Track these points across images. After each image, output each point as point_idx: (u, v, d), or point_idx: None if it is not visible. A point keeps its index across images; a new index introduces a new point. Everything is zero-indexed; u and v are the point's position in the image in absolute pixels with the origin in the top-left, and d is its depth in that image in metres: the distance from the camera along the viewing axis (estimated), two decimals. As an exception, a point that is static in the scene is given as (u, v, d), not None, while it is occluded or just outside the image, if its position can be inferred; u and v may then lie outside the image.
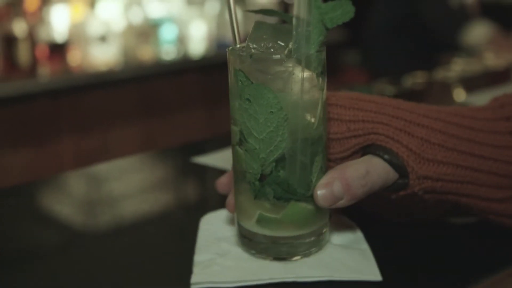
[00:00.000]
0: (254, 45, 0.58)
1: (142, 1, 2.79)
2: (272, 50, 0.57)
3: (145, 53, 2.71)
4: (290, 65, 0.56)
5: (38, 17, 2.52)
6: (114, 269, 0.62)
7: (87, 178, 0.90)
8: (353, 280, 0.57)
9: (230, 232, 0.65)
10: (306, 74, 0.56)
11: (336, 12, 0.56)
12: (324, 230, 0.60)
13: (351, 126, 0.62)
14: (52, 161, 2.43)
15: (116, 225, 0.75)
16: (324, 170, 0.59)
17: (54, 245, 0.70)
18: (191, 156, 0.92)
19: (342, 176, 0.57)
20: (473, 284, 0.58)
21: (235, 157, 0.60)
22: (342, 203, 0.58)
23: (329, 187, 0.57)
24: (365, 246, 0.62)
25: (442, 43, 2.56)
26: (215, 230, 0.66)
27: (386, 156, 0.59)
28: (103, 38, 2.60)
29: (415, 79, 1.53)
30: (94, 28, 2.60)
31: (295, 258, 0.59)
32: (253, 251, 0.60)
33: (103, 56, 2.60)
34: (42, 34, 2.50)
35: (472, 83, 1.47)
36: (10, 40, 2.40)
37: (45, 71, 2.48)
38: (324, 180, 0.58)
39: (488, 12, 2.72)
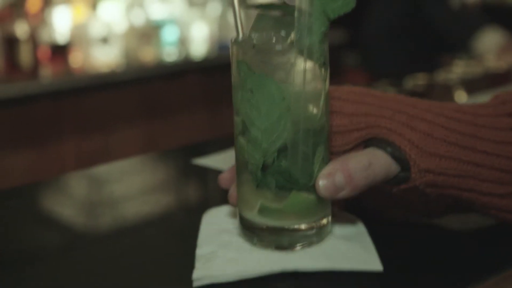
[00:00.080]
0: (257, 36, 0.58)
1: (143, 2, 2.79)
2: (274, 41, 0.58)
3: (147, 55, 2.71)
4: (293, 56, 0.56)
5: (40, 19, 2.53)
6: (115, 270, 0.62)
7: (88, 180, 0.90)
8: (354, 271, 0.58)
9: (232, 224, 0.65)
10: (308, 64, 0.56)
11: (337, 3, 0.56)
12: (326, 221, 0.60)
13: (353, 119, 0.62)
14: (54, 163, 2.43)
15: (118, 226, 0.75)
16: (326, 161, 0.59)
17: (56, 246, 0.70)
18: (193, 157, 0.92)
19: (344, 167, 0.58)
20: (474, 284, 0.58)
21: (238, 147, 0.60)
22: (343, 194, 0.58)
23: (331, 178, 0.57)
24: (367, 239, 0.62)
25: (450, 46, 2.55)
26: (217, 224, 0.66)
27: (388, 149, 0.60)
28: (104, 40, 2.61)
29: (416, 80, 1.53)
30: (96, 29, 2.61)
31: (296, 248, 0.59)
32: (255, 241, 0.60)
33: (104, 58, 2.61)
34: (44, 36, 2.50)
35: (473, 85, 1.47)
36: (12, 42, 2.41)
37: (47, 72, 2.48)
38: (326, 170, 0.58)
39: (490, 13, 2.72)
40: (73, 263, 0.64)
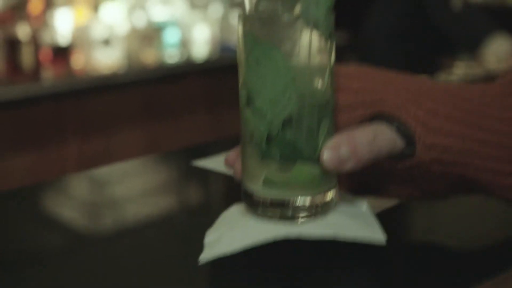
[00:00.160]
0: (263, 8, 0.59)
1: (145, 4, 2.80)
2: (281, 12, 0.58)
3: (149, 57, 2.72)
4: (299, 27, 0.56)
5: (42, 21, 2.53)
6: (116, 271, 0.62)
7: (90, 181, 0.90)
8: (356, 242, 0.58)
9: (241, 214, 0.65)
10: (314, 36, 0.57)
11: None
12: (331, 194, 0.60)
13: (359, 96, 0.62)
14: (56, 164, 2.43)
15: (119, 228, 0.75)
16: (332, 133, 0.59)
17: (57, 247, 0.70)
18: (194, 159, 0.92)
19: (349, 140, 0.57)
20: (473, 285, 0.58)
21: (243, 119, 0.60)
22: (348, 167, 0.58)
23: (335, 150, 0.57)
24: (371, 216, 0.62)
25: (451, 48, 2.55)
26: (228, 217, 0.66)
27: (394, 124, 0.60)
28: (106, 42, 2.61)
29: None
30: (98, 31, 2.61)
31: (300, 220, 0.59)
32: (259, 213, 0.60)
33: (106, 60, 2.61)
34: (46, 38, 2.50)
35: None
36: (14, 44, 2.41)
37: (49, 74, 2.49)
38: (331, 142, 0.58)
39: (491, 14, 2.72)
40: (74, 264, 0.64)
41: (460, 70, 1.61)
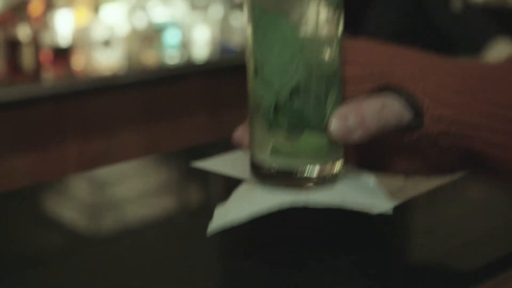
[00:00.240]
0: None
1: (146, 5, 2.80)
2: None
3: (149, 58, 2.72)
4: None
5: (42, 22, 2.53)
6: (116, 272, 0.62)
7: (90, 182, 0.90)
8: (363, 212, 0.58)
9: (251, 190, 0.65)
10: (322, 7, 0.57)
11: None
12: (338, 164, 0.60)
13: (367, 68, 0.62)
14: (56, 165, 2.43)
15: (119, 228, 0.75)
16: (339, 104, 0.59)
17: (57, 248, 0.70)
18: (194, 160, 0.92)
19: (357, 110, 0.58)
20: (473, 285, 0.58)
21: (251, 89, 0.61)
22: (355, 137, 0.57)
23: (343, 119, 0.57)
24: (378, 187, 0.62)
25: (451, 48, 2.55)
26: (238, 192, 0.65)
27: (402, 96, 0.60)
28: (107, 43, 2.61)
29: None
30: (98, 32, 2.61)
31: (307, 189, 0.59)
32: (266, 183, 0.60)
33: (107, 61, 2.61)
34: (46, 39, 2.51)
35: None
36: (14, 45, 2.41)
37: (49, 75, 2.49)
38: (339, 112, 0.58)
39: (491, 15, 2.72)
40: (74, 265, 0.64)
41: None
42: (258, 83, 0.59)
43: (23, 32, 2.43)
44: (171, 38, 2.79)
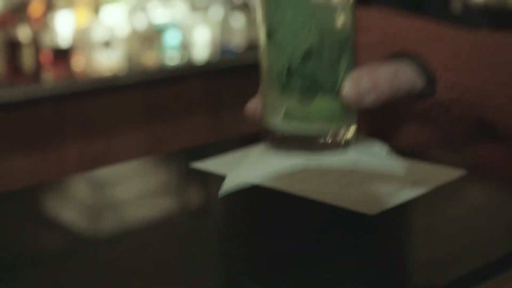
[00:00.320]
0: None
1: (146, 6, 2.80)
2: None
3: (149, 59, 2.72)
4: None
5: (42, 23, 2.53)
6: (116, 273, 0.62)
7: (89, 183, 0.90)
8: (376, 172, 0.58)
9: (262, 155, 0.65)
10: None
11: None
12: (351, 130, 0.60)
13: (380, 36, 0.62)
14: (56, 166, 2.43)
15: (119, 229, 0.75)
16: (352, 68, 0.59)
17: (57, 249, 0.70)
18: (194, 160, 0.92)
19: (370, 74, 0.58)
20: (473, 286, 0.58)
21: (263, 54, 0.61)
22: (368, 101, 0.57)
23: (356, 83, 0.57)
24: (391, 153, 0.62)
25: None
26: (249, 156, 0.65)
27: (415, 62, 0.60)
28: (107, 44, 2.61)
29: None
30: (98, 33, 2.61)
31: (320, 153, 0.59)
32: (279, 147, 0.60)
33: (107, 62, 2.61)
34: (46, 40, 2.51)
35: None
36: (14, 45, 2.41)
37: (49, 76, 2.49)
38: (352, 76, 0.58)
39: (491, 16, 2.72)
40: (74, 266, 0.64)
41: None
42: (271, 48, 0.59)
43: (23, 33, 2.43)
44: (171, 39, 2.79)
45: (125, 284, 0.60)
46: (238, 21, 2.91)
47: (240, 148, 0.94)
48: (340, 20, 0.58)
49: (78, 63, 2.58)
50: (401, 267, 0.61)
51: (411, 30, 0.62)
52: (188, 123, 2.77)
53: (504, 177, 0.71)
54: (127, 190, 0.86)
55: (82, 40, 2.60)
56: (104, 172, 0.95)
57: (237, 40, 2.89)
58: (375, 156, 0.60)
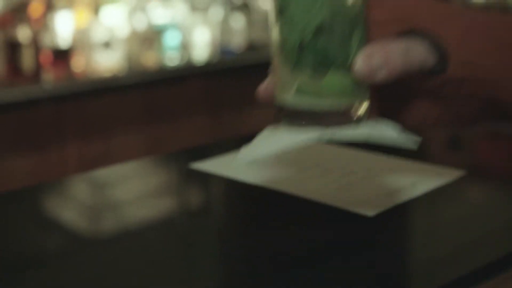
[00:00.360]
0: None
1: (146, 7, 2.80)
2: None
3: (149, 59, 2.72)
4: None
5: (42, 23, 2.53)
6: (115, 273, 0.62)
7: (89, 183, 0.90)
8: (389, 145, 0.58)
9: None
10: None
11: None
12: (363, 106, 0.61)
13: (392, 12, 0.62)
14: (56, 167, 2.43)
15: (119, 229, 0.75)
16: (364, 43, 0.59)
17: (57, 249, 0.70)
18: (194, 161, 0.92)
19: (383, 50, 0.58)
20: (474, 285, 0.58)
21: (275, 30, 0.61)
22: (380, 77, 0.58)
23: (368, 58, 0.57)
24: (403, 131, 0.62)
25: None
26: (262, 134, 0.66)
27: (427, 39, 0.60)
28: (107, 44, 2.61)
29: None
30: (98, 34, 2.61)
31: (332, 129, 0.60)
32: (292, 124, 0.61)
33: (107, 62, 2.61)
34: (46, 40, 2.51)
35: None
36: (14, 46, 2.41)
37: (49, 77, 2.48)
38: (364, 51, 0.58)
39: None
40: (74, 266, 0.64)
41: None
42: (282, 24, 0.60)
43: (23, 33, 2.43)
44: (171, 39, 2.79)
45: (125, 285, 0.60)
46: (238, 21, 2.91)
47: (240, 148, 0.94)
48: None
49: (78, 63, 2.58)
50: (401, 267, 0.61)
51: (423, 8, 0.62)
52: (188, 124, 2.77)
53: (504, 177, 0.71)
54: (127, 191, 0.86)
55: (82, 40, 2.60)
56: (104, 173, 0.95)
57: (237, 40, 2.89)
58: (387, 131, 0.60)
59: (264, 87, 0.65)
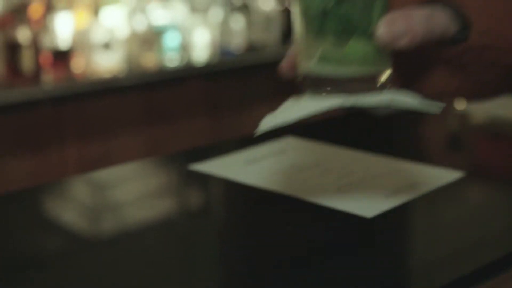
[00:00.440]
0: None
1: (146, 8, 2.80)
2: None
3: (149, 60, 2.72)
4: None
5: (42, 24, 2.53)
6: (116, 274, 0.62)
7: (89, 184, 0.90)
8: (412, 110, 0.58)
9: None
10: None
11: None
12: (385, 74, 0.61)
13: None
14: (56, 168, 2.43)
15: (118, 230, 0.75)
16: (386, 10, 0.60)
17: (57, 250, 0.70)
18: (193, 162, 0.92)
19: (405, 17, 0.58)
20: (474, 285, 0.58)
21: None
22: (402, 43, 0.58)
23: (391, 24, 0.58)
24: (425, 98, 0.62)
25: None
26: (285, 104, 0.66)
27: (449, 7, 0.60)
28: (106, 45, 2.61)
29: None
30: (98, 35, 2.61)
31: (355, 95, 0.60)
32: (315, 92, 0.61)
33: (106, 63, 2.61)
34: (46, 41, 2.51)
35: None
36: (14, 47, 2.41)
37: (49, 78, 2.48)
38: (386, 17, 0.58)
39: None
40: (73, 267, 0.64)
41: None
42: None
43: (23, 34, 2.43)
44: (171, 40, 2.79)
45: (125, 285, 0.60)
46: (238, 22, 2.92)
47: (240, 149, 0.94)
48: None
49: (77, 64, 2.58)
50: (401, 268, 0.61)
51: None
52: (188, 125, 2.77)
53: (504, 178, 0.71)
54: (126, 192, 0.86)
55: (81, 41, 2.60)
56: (104, 174, 0.95)
57: (237, 41, 2.89)
58: (409, 97, 0.60)
59: (286, 61, 0.65)
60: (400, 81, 0.66)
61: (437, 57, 0.62)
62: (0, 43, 2.42)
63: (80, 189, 0.89)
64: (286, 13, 3.03)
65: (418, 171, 0.84)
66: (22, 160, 2.38)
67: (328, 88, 0.60)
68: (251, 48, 2.89)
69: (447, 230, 0.69)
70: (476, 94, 0.67)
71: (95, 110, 2.54)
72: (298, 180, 0.83)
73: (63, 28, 2.57)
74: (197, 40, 2.86)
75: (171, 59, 2.77)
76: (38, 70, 2.46)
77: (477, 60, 0.61)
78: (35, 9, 2.53)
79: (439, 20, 0.59)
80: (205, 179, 0.87)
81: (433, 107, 0.58)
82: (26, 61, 2.42)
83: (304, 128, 1.01)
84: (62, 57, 2.53)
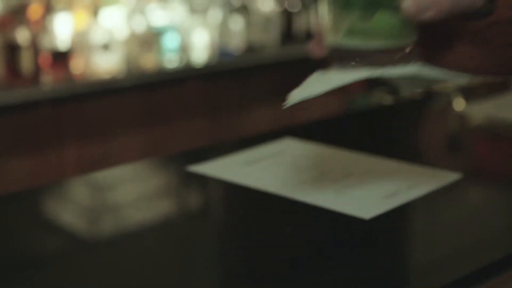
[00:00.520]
0: None
1: (145, 9, 2.80)
2: None
3: (148, 61, 2.72)
4: None
5: (41, 25, 2.53)
6: (115, 275, 0.62)
7: (88, 185, 0.90)
8: (438, 80, 0.58)
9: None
10: None
11: None
12: (411, 47, 0.61)
13: None
14: (55, 169, 2.43)
15: (118, 231, 0.75)
16: None
17: (56, 251, 0.70)
18: (192, 163, 0.92)
19: None
20: (474, 285, 0.58)
21: None
22: (428, 15, 0.58)
23: None
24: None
25: None
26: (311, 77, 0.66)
27: None
28: (106, 46, 2.61)
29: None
30: (97, 36, 2.61)
31: (381, 67, 0.60)
32: (342, 64, 0.61)
33: (106, 64, 2.61)
34: (45, 42, 2.50)
35: (471, 93, 1.47)
36: (13, 48, 2.41)
37: (48, 79, 2.48)
38: None
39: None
40: (73, 268, 0.64)
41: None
42: None
43: (22, 35, 2.43)
44: (170, 41, 2.79)
45: (124, 285, 0.60)
46: (237, 23, 2.92)
47: (238, 151, 0.94)
48: None
49: (77, 65, 2.58)
50: (401, 268, 0.61)
51: None
52: (187, 126, 2.77)
53: (503, 179, 0.71)
54: (125, 193, 0.86)
55: (81, 42, 2.60)
56: (103, 175, 0.95)
57: (236, 42, 2.89)
58: (435, 69, 0.61)
59: (313, 42, 0.65)
60: (425, 54, 0.66)
61: (463, 31, 0.62)
62: (-1, 44, 2.42)
63: (79, 189, 0.89)
64: (285, 14, 3.03)
65: (417, 172, 0.84)
66: (22, 160, 2.38)
67: (355, 61, 0.61)
68: (250, 49, 2.89)
69: (447, 230, 0.69)
70: (498, 71, 0.66)
71: (95, 111, 2.54)
72: (297, 181, 0.83)
73: (63, 29, 2.57)
74: (196, 41, 2.86)
75: (170, 60, 2.77)
76: (37, 71, 2.46)
77: (503, 35, 0.61)
78: (35, 10, 2.53)
79: None
80: (203, 180, 0.87)
81: (459, 78, 0.59)
82: (26, 62, 2.42)
83: (302, 130, 1.02)
84: (61, 58, 2.53)
